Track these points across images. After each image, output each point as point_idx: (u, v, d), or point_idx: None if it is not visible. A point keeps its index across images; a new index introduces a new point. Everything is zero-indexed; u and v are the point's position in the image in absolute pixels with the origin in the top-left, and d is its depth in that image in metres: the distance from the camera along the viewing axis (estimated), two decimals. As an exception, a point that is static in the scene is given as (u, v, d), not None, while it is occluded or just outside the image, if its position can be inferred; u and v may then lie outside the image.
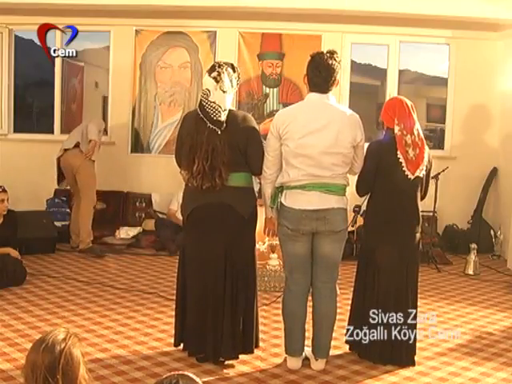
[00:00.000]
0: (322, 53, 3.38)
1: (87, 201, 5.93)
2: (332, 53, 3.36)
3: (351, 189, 3.50)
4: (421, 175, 3.49)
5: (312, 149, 3.28)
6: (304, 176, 3.31)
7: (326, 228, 3.33)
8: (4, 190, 5.07)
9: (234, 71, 3.46)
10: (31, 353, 1.82)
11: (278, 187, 3.45)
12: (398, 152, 3.43)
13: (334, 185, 3.34)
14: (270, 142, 3.40)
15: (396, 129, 3.46)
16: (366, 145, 3.53)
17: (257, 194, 3.64)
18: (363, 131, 3.41)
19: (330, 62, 3.32)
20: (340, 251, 3.45)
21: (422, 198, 3.69)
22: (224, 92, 3.35)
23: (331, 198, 3.33)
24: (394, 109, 3.52)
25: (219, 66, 3.40)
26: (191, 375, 1.63)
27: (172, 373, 1.63)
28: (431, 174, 3.71)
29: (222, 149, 3.31)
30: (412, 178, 3.45)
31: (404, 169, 3.43)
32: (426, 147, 3.55)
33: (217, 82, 3.34)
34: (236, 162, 3.37)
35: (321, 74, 3.32)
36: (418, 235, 3.57)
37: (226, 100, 3.36)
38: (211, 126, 3.33)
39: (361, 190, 3.61)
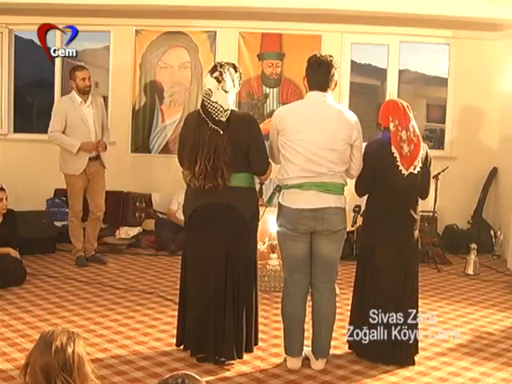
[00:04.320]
0: (319, 53, 3.48)
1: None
2: (330, 55, 3.44)
3: (351, 189, 3.50)
4: (415, 172, 3.49)
5: (307, 144, 3.30)
6: (301, 172, 3.31)
7: (324, 227, 3.33)
8: (2, 189, 5.05)
9: (236, 71, 3.47)
10: (41, 356, 1.83)
11: (275, 187, 3.48)
12: (393, 147, 3.45)
13: (331, 184, 3.34)
14: (273, 138, 3.45)
15: (391, 125, 3.49)
16: (364, 145, 3.54)
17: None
18: (361, 132, 3.42)
19: (326, 57, 3.40)
20: (338, 251, 3.45)
21: (424, 198, 3.69)
22: (226, 92, 3.36)
23: (329, 197, 3.33)
24: (388, 108, 3.57)
25: (221, 66, 3.40)
26: (195, 375, 1.63)
27: (176, 372, 1.63)
28: (431, 174, 3.72)
29: (224, 149, 3.32)
30: (406, 173, 3.46)
31: (398, 163, 3.44)
32: (424, 145, 3.57)
33: (219, 82, 3.35)
34: (238, 163, 3.37)
35: (313, 67, 3.38)
36: (416, 233, 3.58)
37: (227, 100, 3.37)
38: (213, 127, 3.33)
39: (359, 189, 3.62)
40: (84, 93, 5.47)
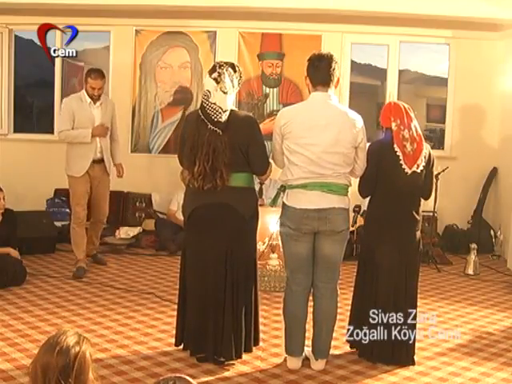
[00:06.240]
0: (318, 51, 3.50)
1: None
2: (329, 52, 3.46)
3: (352, 189, 3.50)
4: (418, 171, 3.49)
5: (312, 147, 3.29)
6: (305, 173, 3.31)
7: (327, 228, 3.33)
8: (0, 189, 5.05)
9: (235, 71, 3.45)
10: (44, 355, 1.82)
11: (280, 187, 3.47)
12: (395, 145, 3.45)
13: (335, 184, 3.34)
14: (277, 143, 3.44)
15: (393, 125, 3.50)
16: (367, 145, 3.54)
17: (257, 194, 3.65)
18: (365, 133, 3.42)
19: (326, 53, 3.42)
20: (341, 252, 3.45)
21: (426, 199, 3.68)
22: (225, 93, 3.35)
23: (333, 198, 3.33)
24: (389, 108, 3.59)
25: (220, 67, 3.40)
26: (188, 378, 1.63)
27: (169, 375, 1.64)
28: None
29: (223, 149, 3.31)
30: (409, 172, 3.46)
31: (401, 162, 3.45)
32: (426, 144, 3.58)
33: (217, 82, 3.34)
34: (237, 163, 3.37)
35: (313, 64, 3.38)
36: (418, 234, 3.57)
37: (226, 101, 3.36)
38: (212, 128, 3.33)
39: (363, 190, 3.62)
40: (92, 98, 5.31)
